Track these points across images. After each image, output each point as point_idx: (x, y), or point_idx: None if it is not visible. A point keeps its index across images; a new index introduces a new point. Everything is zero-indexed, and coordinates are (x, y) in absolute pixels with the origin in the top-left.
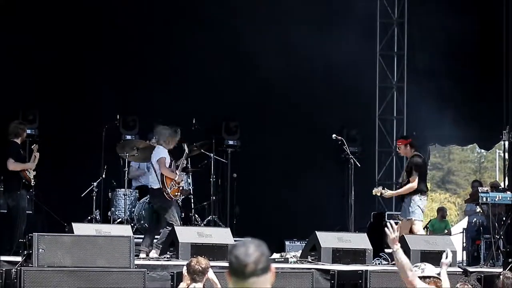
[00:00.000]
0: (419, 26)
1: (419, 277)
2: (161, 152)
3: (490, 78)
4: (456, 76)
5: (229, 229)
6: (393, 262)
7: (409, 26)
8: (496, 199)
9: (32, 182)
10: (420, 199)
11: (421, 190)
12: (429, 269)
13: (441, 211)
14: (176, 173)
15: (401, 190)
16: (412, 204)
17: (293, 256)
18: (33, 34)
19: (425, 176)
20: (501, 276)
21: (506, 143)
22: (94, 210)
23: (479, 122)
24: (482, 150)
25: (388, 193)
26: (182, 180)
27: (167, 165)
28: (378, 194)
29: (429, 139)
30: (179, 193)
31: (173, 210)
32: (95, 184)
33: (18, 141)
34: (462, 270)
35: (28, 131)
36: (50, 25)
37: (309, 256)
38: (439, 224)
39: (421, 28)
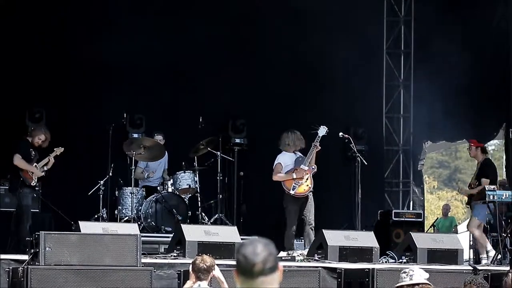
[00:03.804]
0: (425, 24)
1: (406, 285)
2: (278, 158)
3: (489, 76)
4: (452, 73)
5: (236, 227)
6: (400, 260)
7: (416, 24)
8: (503, 197)
9: (32, 183)
10: None
11: None
12: (418, 275)
13: (443, 209)
14: (292, 175)
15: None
16: None
17: (300, 254)
18: (40, 31)
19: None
20: (509, 274)
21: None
22: (101, 208)
23: (470, 119)
24: (489, 148)
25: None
26: (305, 176)
27: (288, 169)
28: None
29: (423, 136)
30: (308, 188)
31: (290, 212)
32: (102, 182)
33: (30, 140)
34: (471, 268)
35: None
36: (56, 22)
37: (316, 255)
38: (443, 222)
39: (427, 27)
